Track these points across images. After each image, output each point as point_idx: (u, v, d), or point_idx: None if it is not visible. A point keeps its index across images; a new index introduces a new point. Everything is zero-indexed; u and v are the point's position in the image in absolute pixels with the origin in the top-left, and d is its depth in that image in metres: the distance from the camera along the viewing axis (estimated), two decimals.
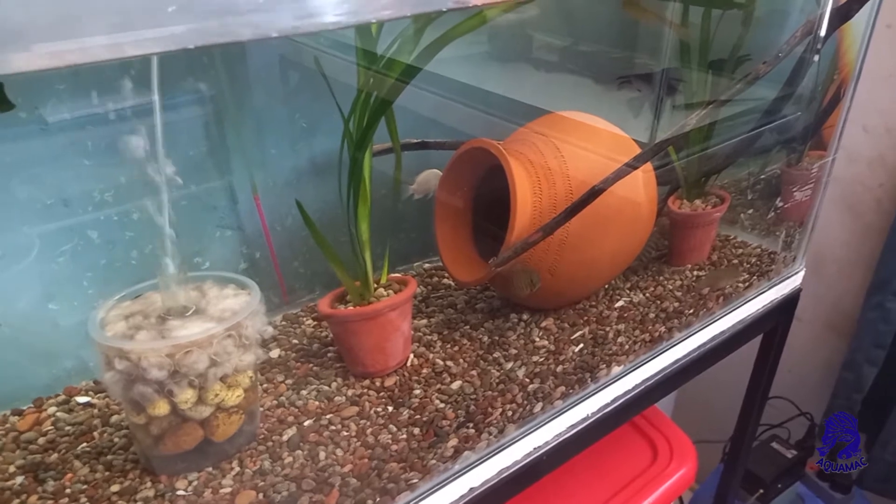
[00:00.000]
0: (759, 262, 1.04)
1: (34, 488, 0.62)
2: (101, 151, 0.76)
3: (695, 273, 1.00)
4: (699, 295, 0.95)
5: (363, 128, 0.72)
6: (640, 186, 0.85)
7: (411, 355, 0.81)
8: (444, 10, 0.59)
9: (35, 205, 0.74)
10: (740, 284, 1.00)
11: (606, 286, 0.95)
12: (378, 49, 0.70)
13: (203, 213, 0.87)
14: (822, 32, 0.92)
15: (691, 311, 0.93)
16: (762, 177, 1.10)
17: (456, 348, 0.82)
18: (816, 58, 0.95)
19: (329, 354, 0.81)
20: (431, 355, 0.81)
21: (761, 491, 1.35)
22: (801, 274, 1.08)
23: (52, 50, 0.37)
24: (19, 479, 0.63)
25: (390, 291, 0.79)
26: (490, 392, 0.75)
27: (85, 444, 0.67)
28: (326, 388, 0.75)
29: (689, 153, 1.00)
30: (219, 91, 0.84)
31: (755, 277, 1.01)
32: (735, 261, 1.02)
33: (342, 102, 0.72)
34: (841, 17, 0.93)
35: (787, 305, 1.06)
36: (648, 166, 0.86)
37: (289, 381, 0.76)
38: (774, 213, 1.07)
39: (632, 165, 0.80)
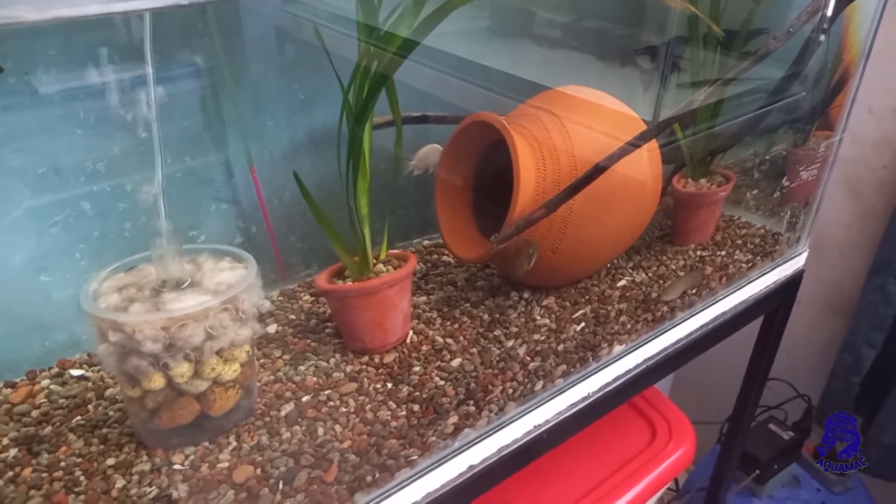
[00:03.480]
0: (762, 243, 1.03)
1: (28, 461, 0.61)
2: (94, 121, 0.74)
3: (698, 253, 0.99)
4: (702, 274, 0.94)
5: (363, 100, 0.70)
6: (645, 164, 0.83)
7: (411, 332, 0.80)
8: None
9: (27, 175, 0.72)
10: (743, 265, 0.99)
11: (609, 265, 0.94)
12: (378, 21, 0.69)
13: (198, 187, 0.86)
14: (829, 12, 0.90)
15: (694, 290, 0.92)
16: (767, 157, 1.08)
17: (456, 326, 0.81)
18: (823, 37, 0.93)
19: (327, 330, 0.80)
20: (431, 332, 0.80)
21: (758, 471, 1.35)
22: (805, 255, 1.07)
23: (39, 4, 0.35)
24: (13, 452, 0.62)
25: (389, 267, 0.78)
26: (490, 370, 0.75)
27: (79, 418, 0.66)
28: (324, 363, 0.74)
29: (694, 131, 0.98)
30: (215, 63, 0.82)
31: (759, 258, 1.00)
32: (655, 293, 0.90)
33: (340, 77, 0.70)
34: None
35: (790, 287, 1.05)
36: (653, 144, 0.85)
37: (286, 357, 0.75)
38: (780, 194, 1.05)
39: (636, 143, 0.78)
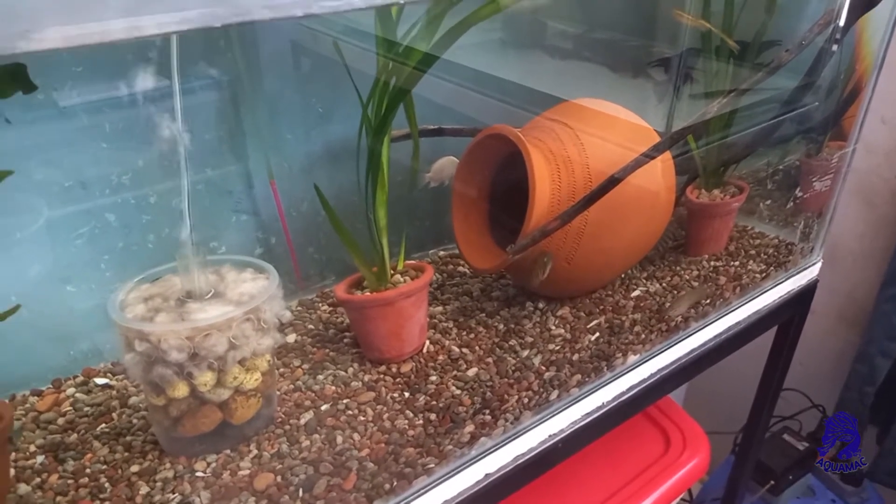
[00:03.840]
0: (776, 253, 1.03)
1: (54, 468, 0.62)
2: (119, 135, 0.76)
3: (712, 263, 0.99)
4: (716, 285, 0.94)
5: (382, 114, 0.72)
6: (659, 175, 0.84)
7: (427, 342, 0.81)
8: None
9: (53, 187, 0.74)
10: (757, 275, 0.99)
11: (623, 275, 0.94)
12: (396, 36, 0.70)
13: (219, 198, 0.87)
14: (842, 22, 0.90)
15: (707, 300, 0.92)
16: (781, 167, 1.09)
17: (472, 335, 0.82)
18: (835, 48, 0.94)
19: (345, 340, 0.81)
20: (447, 342, 0.81)
21: (772, 482, 1.35)
22: (819, 265, 1.07)
23: (69, 30, 0.36)
24: (40, 459, 0.63)
25: (407, 278, 0.79)
26: (506, 379, 0.75)
27: (104, 425, 0.67)
28: (343, 373, 0.75)
29: (708, 142, 0.99)
30: (235, 76, 0.84)
31: (772, 268, 1.01)
32: (700, 283, 0.94)
33: (359, 89, 0.71)
34: (864, 6, 0.92)
35: (804, 297, 1.05)
36: (667, 155, 0.86)
37: (305, 366, 0.76)
38: (793, 204, 1.06)
39: (650, 154, 0.79)
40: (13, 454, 0.64)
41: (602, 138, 0.82)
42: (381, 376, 0.75)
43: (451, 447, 0.68)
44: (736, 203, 0.99)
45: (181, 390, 0.60)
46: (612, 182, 0.75)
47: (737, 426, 1.34)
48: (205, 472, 0.62)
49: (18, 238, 0.72)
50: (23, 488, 0.60)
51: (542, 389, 0.75)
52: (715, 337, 0.93)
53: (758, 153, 1.04)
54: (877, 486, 1.45)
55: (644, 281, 0.94)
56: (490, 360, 0.78)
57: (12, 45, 0.35)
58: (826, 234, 1.07)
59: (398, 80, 0.70)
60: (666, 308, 0.88)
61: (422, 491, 0.65)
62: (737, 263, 1.00)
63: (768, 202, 1.09)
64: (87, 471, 0.62)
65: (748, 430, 1.22)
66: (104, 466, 0.63)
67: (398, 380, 0.75)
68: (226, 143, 0.86)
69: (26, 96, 0.69)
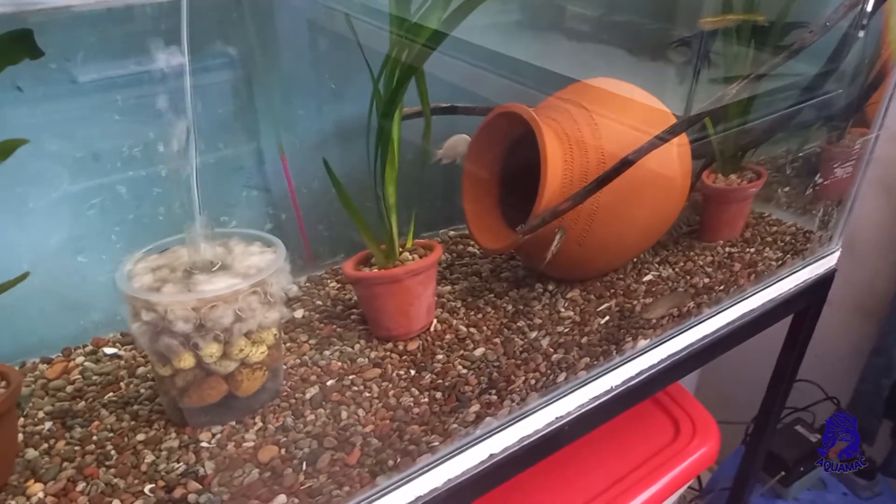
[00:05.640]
0: (793, 241, 1.01)
1: (62, 434, 0.63)
2: (131, 109, 0.76)
3: (727, 249, 0.97)
4: (730, 271, 0.93)
5: (393, 89, 0.71)
6: (675, 159, 0.83)
7: (435, 321, 0.80)
8: None
9: (66, 159, 0.74)
10: (773, 263, 0.97)
11: (635, 259, 0.93)
12: (409, 12, 0.69)
13: (230, 174, 0.87)
14: (869, 7, 0.88)
15: (721, 287, 0.91)
16: (801, 154, 1.06)
17: (480, 316, 0.82)
18: (861, 33, 0.91)
19: (352, 317, 0.81)
20: (455, 321, 0.80)
21: (783, 473, 1.33)
22: (837, 254, 1.05)
23: None
24: (48, 425, 0.64)
25: (415, 256, 0.79)
26: (513, 360, 0.75)
27: (111, 394, 0.68)
28: (349, 349, 0.75)
29: (726, 126, 0.97)
30: (248, 54, 0.84)
31: (789, 256, 0.99)
32: (681, 289, 0.89)
33: (371, 67, 0.71)
34: None
35: (821, 286, 1.03)
36: (684, 139, 0.84)
37: (312, 341, 0.76)
38: (812, 191, 1.03)
39: (665, 137, 0.78)
40: (22, 420, 0.65)
41: (618, 121, 0.81)
42: (388, 353, 0.75)
43: (455, 426, 0.68)
44: (753, 189, 0.97)
45: (187, 361, 0.60)
46: (625, 164, 0.74)
47: (749, 416, 1.33)
48: (210, 443, 0.62)
49: (31, 208, 0.73)
50: (31, 453, 0.61)
51: (549, 371, 0.75)
52: (728, 324, 0.91)
53: (777, 139, 1.02)
54: (890, 480, 1.43)
55: (657, 265, 0.93)
56: (497, 340, 0.78)
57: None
58: (846, 222, 1.05)
59: (408, 55, 0.69)
60: (640, 311, 0.85)
61: (426, 468, 0.65)
62: (752, 250, 0.98)
63: (787, 189, 1.07)
64: (94, 438, 0.63)
65: (759, 421, 1.20)
66: (111, 434, 0.63)
67: (405, 357, 0.75)
68: (238, 120, 0.86)
69: (39, 71, 0.69)
